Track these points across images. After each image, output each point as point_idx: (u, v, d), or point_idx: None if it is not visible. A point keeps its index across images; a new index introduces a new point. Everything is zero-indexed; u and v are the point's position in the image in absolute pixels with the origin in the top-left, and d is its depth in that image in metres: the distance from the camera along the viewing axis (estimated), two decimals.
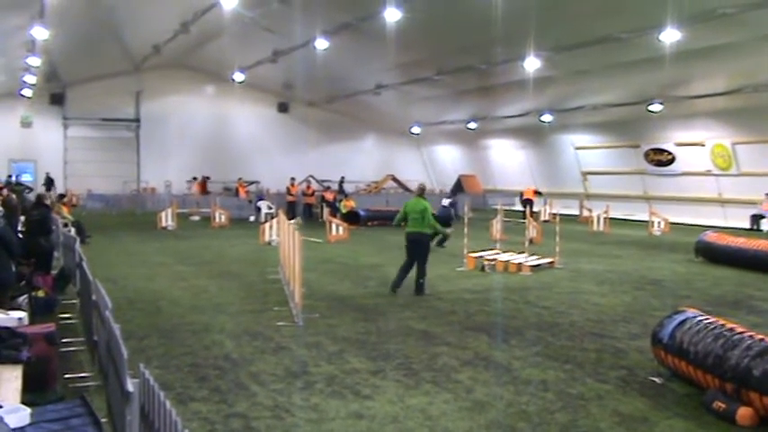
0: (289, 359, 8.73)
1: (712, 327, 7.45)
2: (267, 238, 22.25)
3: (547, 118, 35.01)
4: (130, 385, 4.40)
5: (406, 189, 43.40)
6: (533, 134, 39.11)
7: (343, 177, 41.78)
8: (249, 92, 41.57)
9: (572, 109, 33.19)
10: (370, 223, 30.56)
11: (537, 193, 34.40)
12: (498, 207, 24.66)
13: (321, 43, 27.19)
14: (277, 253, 17.27)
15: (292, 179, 34.94)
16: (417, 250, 13.46)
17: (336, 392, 7.45)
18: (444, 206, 24.21)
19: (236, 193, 38.18)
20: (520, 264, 16.87)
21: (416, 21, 23.13)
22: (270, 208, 31.67)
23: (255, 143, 43.54)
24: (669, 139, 32.35)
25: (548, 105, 34.00)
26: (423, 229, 13.45)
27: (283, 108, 44.72)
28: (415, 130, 44.98)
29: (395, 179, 44.38)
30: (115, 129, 40.72)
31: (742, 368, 6.64)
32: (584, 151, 37.32)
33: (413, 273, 13.54)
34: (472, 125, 40.09)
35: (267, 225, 22.92)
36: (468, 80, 32.11)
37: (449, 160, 47.61)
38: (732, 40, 21.91)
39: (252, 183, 40.51)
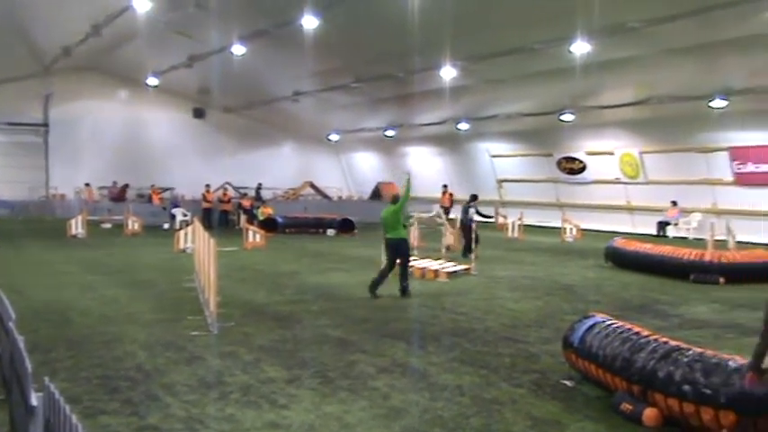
0: (203, 369, 8.58)
1: (620, 331, 7.67)
2: (182, 245, 21.85)
3: (463, 126, 35.51)
4: (34, 399, 4.24)
5: (325, 196, 43.32)
6: (450, 142, 39.60)
7: (260, 184, 41.41)
8: (164, 97, 40.78)
9: (487, 117, 33.75)
10: (288, 230, 30.39)
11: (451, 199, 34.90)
12: (415, 214, 24.85)
13: (238, 49, 26.94)
14: (192, 261, 16.98)
15: (207, 186, 34.43)
16: (399, 254, 14.14)
17: (252, 402, 7.36)
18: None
19: (150, 199, 37.37)
20: (437, 270, 17.03)
21: (334, 28, 23.19)
22: (185, 215, 31.12)
23: (170, 149, 42.70)
24: (580, 148, 33.24)
25: (464, 114, 34.50)
26: (401, 234, 14.16)
27: (199, 114, 44.05)
28: (334, 137, 44.98)
29: (313, 186, 44.23)
30: (22, 133, 39.30)
31: (648, 370, 6.86)
32: (500, 159, 37.98)
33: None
34: (390, 133, 40.33)
35: (182, 232, 22.51)
36: (386, 88, 32.32)
37: (367, 167, 47.75)
38: (638, 53, 22.71)
39: (166, 189, 39.72)
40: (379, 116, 38.73)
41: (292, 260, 20.42)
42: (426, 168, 42.94)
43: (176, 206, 32.96)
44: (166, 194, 38.88)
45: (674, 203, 29.31)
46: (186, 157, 42.75)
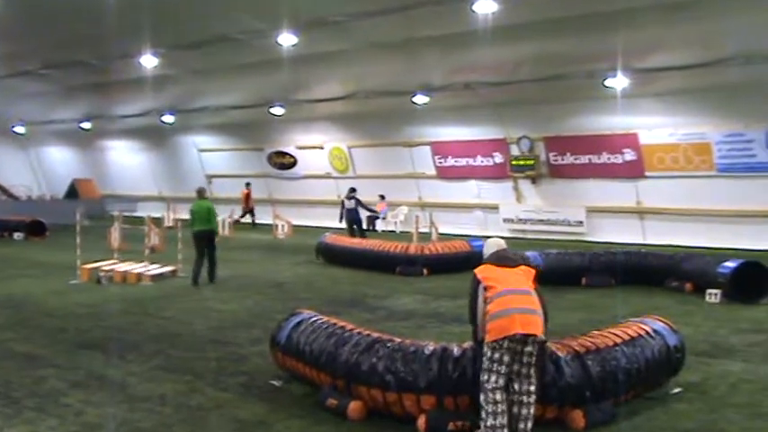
0: None
1: (326, 326, 7.97)
2: None
3: (168, 119, 34.65)
4: None
5: (11, 195, 40.20)
6: (155, 135, 38.44)
7: None
8: None
9: (194, 110, 33.21)
10: None
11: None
12: (117, 213, 23.81)
13: None
14: None
15: None
16: (207, 245, 16.16)
17: None
18: None
19: None
20: (140, 274, 16.53)
21: (17, 8, 21.51)
22: None
23: None
24: (291, 143, 33.88)
25: (169, 105, 33.65)
26: (210, 227, 16.21)
27: None
28: (20, 129, 41.74)
29: None
30: None
31: (351, 364, 7.20)
32: (209, 154, 37.62)
33: None
34: (86, 125, 38.25)
35: None
36: (80, 76, 30.56)
37: (61, 163, 44.97)
38: (345, 47, 23.57)
39: None
40: (74, 106, 36.55)
41: None
42: (130, 164, 41.44)
43: None
44: None
45: (382, 197, 30.86)
46: None
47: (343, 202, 24.87)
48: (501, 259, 6.84)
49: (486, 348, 6.38)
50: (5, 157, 44.73)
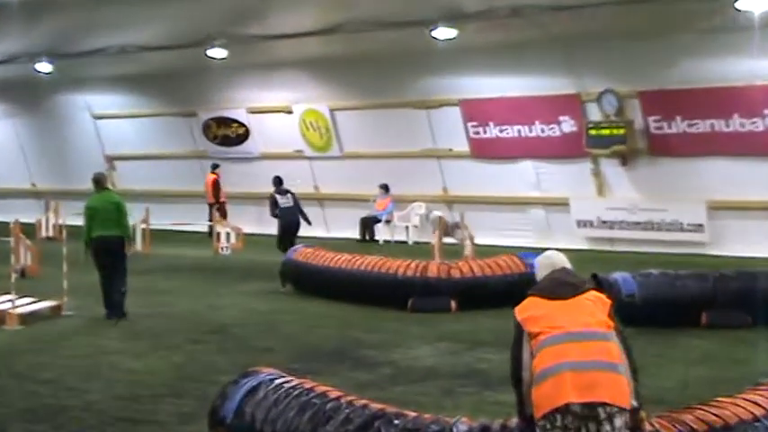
0: None
1: (297, 393, 7.94)
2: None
3: (45, 67, 34.61)
4: None
5: None
6: (24, 94, 38.42)
7: None
8: None
9: (87, 53, 33.13)
10: None
11: None
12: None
13: None
14: None
15: None
16: (114, 259, 16.85)
17: None
18: None
19: None
20: (2, 312, 16.52)
21: None
22: None
23: None
24: (240, 104, 34.00)
25: (47, 46, 33.60)
26: (119, 232, 16.88)
27: None
28: None
29: None
30: None
31: None
32: (110, 122, 37.70)
33: None
34: None
35: None
36: None
37: None
38: None
39: None
40: None
41: None
42: None
43: None
44: None
45: (385, 189, 30.90)
46: None
47: (274, 200, 24.93)
48: (555, 287, 6.79)
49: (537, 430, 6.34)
50: None
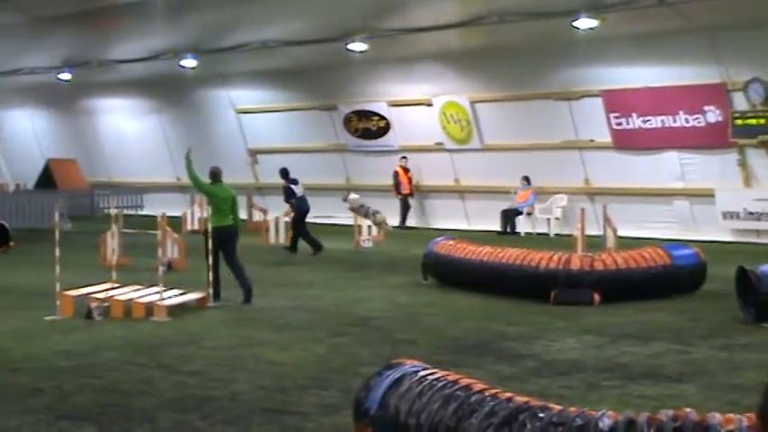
0: None
1: (441, 385, 7.92)
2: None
3: (189, 63, 35.20)
4: None
5: None
6: (170, 90, 39.22)
7: None
8: None
9: (229, 48, 33.64)
10: None
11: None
12: (114, 212, 24.41)
13: None
14: None
15: None
16: (228, 247, 18.07)
17: None
18: None
19: None
20: (150, 304, 16.85)
21: None
22: None
23: None
24: (381, 97, 34.14)
25: (191, 43, 34.18)
26: (233, 222, 18.29)
27: None
28: None
29: None
30: None
31: None
32: (252, 117, 38.22)
33: None
34: (66, 75, 39.28)
35: None
36: (59, 1, 31.46)
37: (28, 134, 46.39)
38: None
39: None
40: (48, 48, 37.59)
41: None
42: (132, 135, 42.24)
43: None
44: None
45: (526, 181, 30.77)
46: None
47: (291, 190, 26.75)
48: None
49: None
50: None
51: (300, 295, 19.14)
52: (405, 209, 33.65)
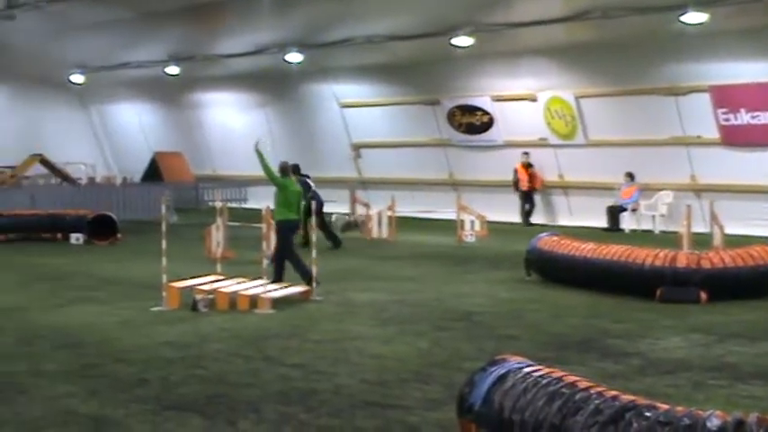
0: None
1: (546, 382, 7.88)
2: None
3: (295, 57, 35.45)
4: None
5: (66, 178, 42.27)
6: (274, 84, 39.53)
7: None
8: None
9: (333, 43, 33.83)
10: (2, 236, 29.63)
11: None
12: (219, 205, 24.66)
13: None
14: None
15: None
16: (292, 241, 19.14)
17: None
18: None
19: None
20: (255, 296, 17.02)
21: None
22: None
23: None
24: (484, 91, 34.02)
25: (296, 38, 34.44)
26: (298, 216, 19.35)
27: None
28: (78, 78, 43.94)
29: (45, 162, 43.13)
30: None
31: None
32: (355, 111, 38.37)
33: None
34: (174, 69, 39.80)
35: None
36: None
37: (136, 128, 47.06)
38: None
39: None
40: (156, 42, 38.10)
41: (10, 287, 20.04)
42: (238, 129, 42.63)
43: None
44: None
45: (631, 177, 30.46)
46: None
47: (308, 185, 26.46)
48: None
49: None
50: (59, 121, 47.24)
51: (402, 289, 19.19)
52: (525, 206, 33.42)
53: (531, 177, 33.27)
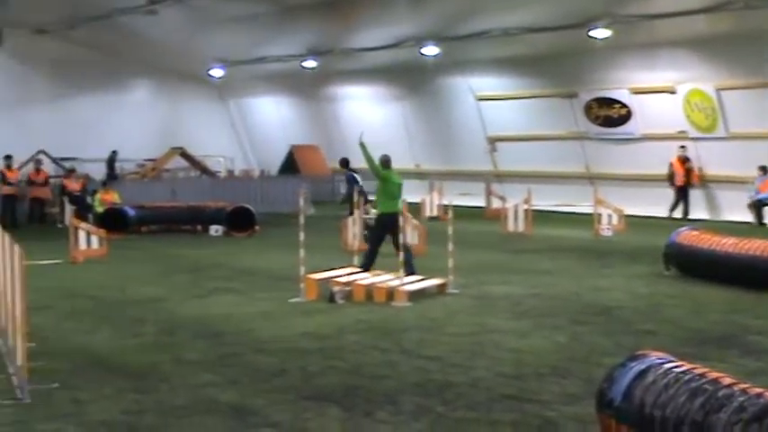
0: None
1: (687, 378, 7.77)
2: None
3: (431, 50, 35.52)
4: None
5: (205, 171, 42.95)
6: (410, 77, 39.66)
7: (114, 153, 40.98)
8: None
9: (470, 36, 33.80)
10: (144, 229, 30.19)
11: None
12: (356, 197, 24.90)
13: None
14: None
15: (7, 158, 33.89)
16: (395, 230, 18.66)
17: None
18: None
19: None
20: (391, 289, 17.09)
21: None
22: None
23: None
24: (622, 84, 33.70)
25: (432, 31, 34.50)
26: (398, 209, 18.94)
27: None
28: (217, 72, 44.62)
29: (185, 155, 43.92)
30: None
31: None
32: (491, 104, 38.27)
33: None
34: (311, 63, 40.15)
35: None
36: None
37: (274, 122, 47.56)
38: None
39: None
40: (293, 36, 38.51)
41: (152, 279, 20.40)
42: (375, 122, 42.82)
43: None
44: None
45: (764, 170, 29.81)
46: None
47: (355, 178, 27.93)
48: None
49: None
50: (197, 115, 48.03)
51: (539, 283, 19.11)
52: (679, 200, 32.76)
53: (688, 172, 32.34)
